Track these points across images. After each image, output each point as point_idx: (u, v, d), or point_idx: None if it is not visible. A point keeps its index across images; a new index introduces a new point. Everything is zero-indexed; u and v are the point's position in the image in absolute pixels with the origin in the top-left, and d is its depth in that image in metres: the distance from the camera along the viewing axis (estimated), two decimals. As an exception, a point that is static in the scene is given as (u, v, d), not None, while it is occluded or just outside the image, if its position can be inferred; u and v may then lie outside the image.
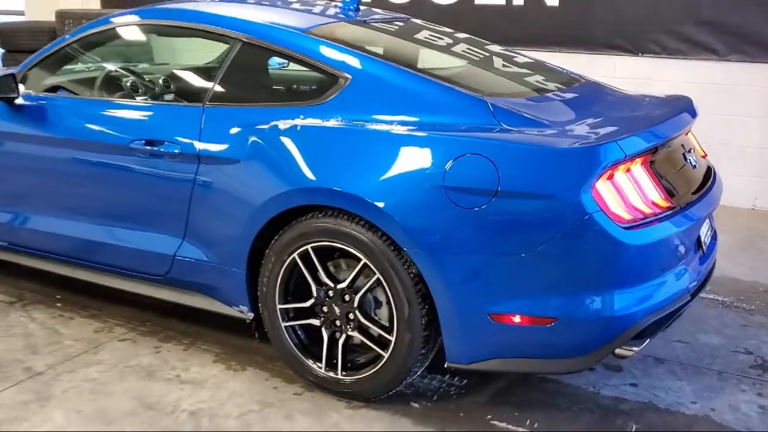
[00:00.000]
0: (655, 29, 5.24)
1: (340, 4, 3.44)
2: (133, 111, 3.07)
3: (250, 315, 2.86)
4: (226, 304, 2.92)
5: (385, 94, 2.62)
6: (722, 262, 3.65)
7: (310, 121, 2.63)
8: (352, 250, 2.51)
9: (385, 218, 2.41)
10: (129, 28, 3.30)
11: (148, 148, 2.88)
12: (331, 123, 2.60)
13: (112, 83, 3.39)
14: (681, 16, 5.13)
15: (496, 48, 3.40)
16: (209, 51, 4.03)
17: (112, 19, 3.27)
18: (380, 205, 2.40)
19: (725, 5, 4.99)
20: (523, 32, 5.55)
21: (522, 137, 2.36)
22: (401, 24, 3.42)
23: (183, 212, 2.87)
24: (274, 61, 4.08)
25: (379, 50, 2.89)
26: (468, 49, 3.26)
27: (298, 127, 2.63)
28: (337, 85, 2.68)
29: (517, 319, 2.35)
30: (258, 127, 2.69)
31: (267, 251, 2.70)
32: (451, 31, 3.50)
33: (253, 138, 2.69)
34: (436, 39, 3.31)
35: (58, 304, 3.45)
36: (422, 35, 3.32)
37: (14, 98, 3.21)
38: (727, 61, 5.08)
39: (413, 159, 2.40)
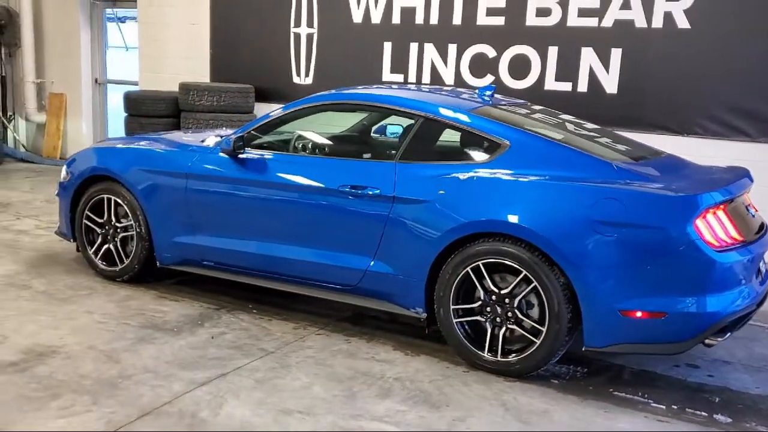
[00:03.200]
0: (698, 115, 6.36)
1: (477, 92, 4.58)
2: (341, 164, 4.17)
3: (424, 315, 3.88)
4: (403, 307, 3.94)
5: (536, 156, 3.72)
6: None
7: (482, 173, 3.72)
8: (515, 265, 3.55)
9: (544, 241, 3.46)
10: (326, 105, 4.42)
11: (352, 191, 3.96)
12: (498, 174, 3.69)
13: (308, 144, 4.52)
14: (720, 105, 6.27)
15: (591, 126, 4.51)
16: (350, 120, 5.19)
17: (314, 100, 4.42)
18: (540, 232, 3.46)
19: (756, 98, 6.12)
20: (585, 114, 6.58)
21: (643, 188, 3.44)
22: (524, 106, 4.55)
23: (377, 238, 3.92)
24: (390, 130, 5.23)
25: (523, 124, 3.99)
26: (572, 125, 4.36)
27: (475, 178, 3.72)
28: (500, 148, 3.78)
29: (639, 314, 3.37)
30: (442, 177, 3.78)
31: (444, 266, 3.74)
32: (557, 111, 4.63)
33: (439, 185, 3.77)
34: (549, 117, 4.42)
35: (254, 311, 4.47)
36: (539, 114, 4.43)
37: (240, 153, 4.33)
38: (758, 142, 6.18)
39: (565, 200, 3.48)
